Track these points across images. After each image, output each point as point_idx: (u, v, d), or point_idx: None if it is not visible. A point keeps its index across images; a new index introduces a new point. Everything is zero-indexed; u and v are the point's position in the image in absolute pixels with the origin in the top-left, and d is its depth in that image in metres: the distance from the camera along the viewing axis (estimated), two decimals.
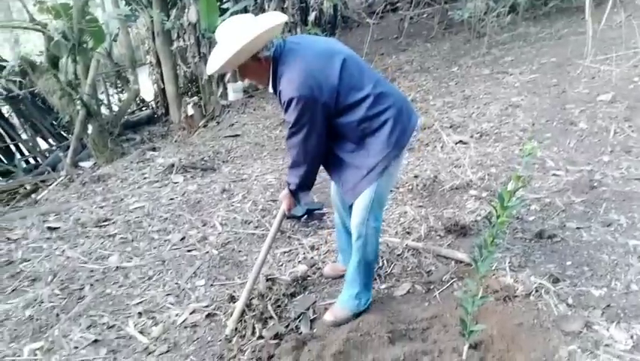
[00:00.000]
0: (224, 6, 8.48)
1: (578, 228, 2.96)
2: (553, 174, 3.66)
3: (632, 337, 2.14)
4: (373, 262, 2.50)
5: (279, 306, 2.64)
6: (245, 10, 8.32)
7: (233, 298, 2.75)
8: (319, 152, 2.26)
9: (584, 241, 2.84)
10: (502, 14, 7.70)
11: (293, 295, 2.74)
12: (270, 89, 2.26)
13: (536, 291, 2.45)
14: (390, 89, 2.30)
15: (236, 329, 2.47)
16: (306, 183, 2.37)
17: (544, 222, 3.09)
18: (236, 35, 2.08)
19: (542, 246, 2.86)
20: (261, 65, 2.18)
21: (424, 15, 9.76)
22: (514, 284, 2.51)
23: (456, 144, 4.54)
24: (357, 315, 2.47)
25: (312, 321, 2.54)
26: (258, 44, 2.10)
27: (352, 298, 2.47)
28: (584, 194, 3.30)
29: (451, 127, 4.98)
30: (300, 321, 2.54)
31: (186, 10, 7.25)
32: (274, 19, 2.14)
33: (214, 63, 2.16)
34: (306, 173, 2.31)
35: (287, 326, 2.50)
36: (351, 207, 2.50)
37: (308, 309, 2.62)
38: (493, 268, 2.69)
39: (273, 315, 2.55)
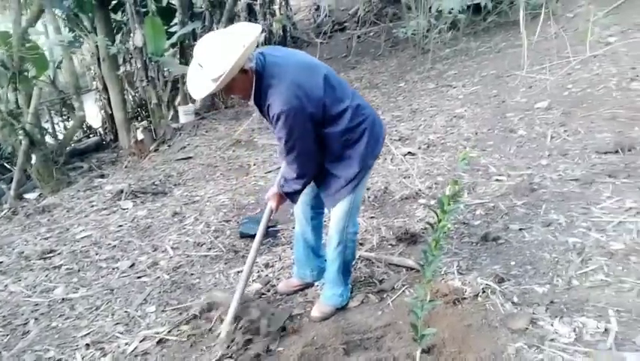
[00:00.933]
0: (172, 29, 8.45)
1: (520, 229, 3.08)
2: (496, 180, 3.81)
3: (574, 330, 2.23)
4: (351, 261, 2.68)
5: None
6: (193, 33, 8.32)
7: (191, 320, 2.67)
8: (318, 158, 2.32)
9: (526, 241, 2.95)
10: (444, 31, 8.02)
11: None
12: (251, 102, 2.25)
13: (483, 292, 2.52)
14: (364, 101, 2.42)
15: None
16: (303, 189, 2.43)
17: (489, 226, 3.20)
18: (225, 52, 2.03)
19: (488, 248, 2.96)
20: (247, 77, 2.15)
21: (371, 34, 10.06)
22: (462, 287, 2.58)
23: (404, 155, 4.65)
24: (340, 309, 2.63)
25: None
26: (245, 56, 2.07)
27: (336, 296, 2.63)
28: (525, 197, 3.45)
29: (399, 140, 5.11)
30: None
31: (132, 35, 7.16)
32: (251, 29, 2.13)
33: (204, 86, 2.10)
34: (308, 180, 2.38)
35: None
36: (313, 218, 2.68)
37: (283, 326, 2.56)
38: (442, 272, 2.76)
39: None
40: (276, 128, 2.17)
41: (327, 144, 2.30)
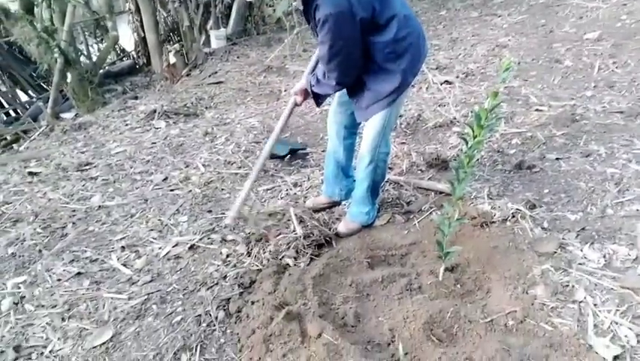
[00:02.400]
0: None
1: (557, 158, 2.98)
2: (536, 110, 3.65)
3: (604, 256, 2.20)
4: (381, 181, 2.69)
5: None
6: None
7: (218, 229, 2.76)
8: (358, 67, 2.21)
9: (562, 170, 2.86)
10: None
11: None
12: (300, 5, 2.11)
13: (513, 217, 2.49)
14: (411, 12, 2.27)
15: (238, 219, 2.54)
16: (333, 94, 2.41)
17: (524, 155, 3.10)
18: None
19: (521, 176, 2.89)
20: None
21: None
22: (491, 211, 2.55)
23: (441, 84, 4.49)
24: (365, 227, 2.67)
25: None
26: None
27: (362, 214, 2.64)
28: (566, 127, 3.31)
29: (437, 68, 4.92)
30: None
31: None
32: None
33: None
34: (343, 87, 2.32)
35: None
36: (346, 138, 2.64)
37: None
38: (472, 196, 2.72)
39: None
40: (322, 32, 2.02)
41: (370, 54, 2.17)
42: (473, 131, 1.96)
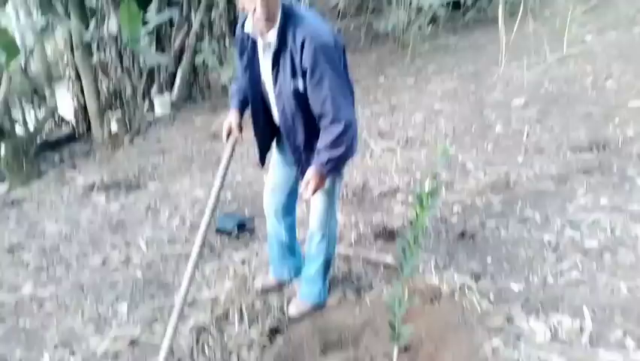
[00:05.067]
0: (148, 16, 8.23)
1: (496, 226, 3.10)
2: (473, 176, 3.82)
3: (549, 328, 2.25)
4: (332, 256, 2.55)
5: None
6: (170, 21, 8.13)
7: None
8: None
9: (502, 238, 2.98)
10: (424, 26, 8.02)
11: None
12: (270, 39, 1.91)
13: (460, 289, 2.53)
14: None
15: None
16: (355, 145, 2.03)
17: (465, 223, 3.21)
18: None
19: (465, 245, 2.97)
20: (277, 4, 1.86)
21: (351, 27, 9.99)
22: (439, 285, 2.58)
23: (383, 151, 4.64)
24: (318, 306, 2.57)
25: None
26: None
27: (314, 294, 2.54)
28: (502, 193, 3.48)
29: (378, 135, 5.09)
30: None
31: (106, 21, 6.94)
32: None
33: None
34: (355, 130, 2.00)
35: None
36: (285, 217, 2.56)
37: None
38: (420, 270, 2.75)
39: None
40: (317, 71, 1.83)
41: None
42: (416, 213, 2.01)
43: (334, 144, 1.94)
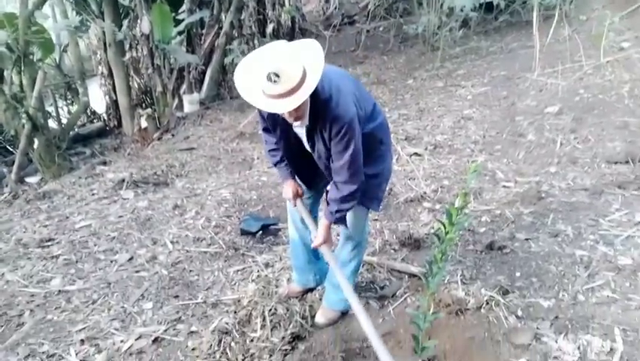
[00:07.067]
0: (179, 17, 8.35)
1: (526, 239, 3.02)
2: (503, 186, 3.74)
3: (579, 348, 2.18)
4: (361, 263, 2.65)
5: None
6: (201, 22, 8.22)
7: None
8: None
9: (532, 251, 2.89)
10: (455, 28, 7.89)
11: None
12: (303, 123, 2.08)
13: (487, 303, 2.47)
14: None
15: None
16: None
17: (494, 234, 3.14)
18: (312, 65, 1.89)
19: (493, 257, 2.90)
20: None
21: (380, 28, 9.93)
22: (465, 297, 2.53)
23: (410, 156, 4.58)
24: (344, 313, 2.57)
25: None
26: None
27: (342, 301, 2.50)
28: (532, 205, 3.38)
29: (406, 139, 5.03)
30: None
31: (139, 21, 7.07)
32: (314, 44, 2.00)
33: (287, 101, 1.83)
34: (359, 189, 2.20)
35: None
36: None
37: None
38: (445, 281, 2.70)
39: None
40: (342, 142, 2.01)
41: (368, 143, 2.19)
42: (445, 228, 1.97)
43: (344, 200, 2.18)
